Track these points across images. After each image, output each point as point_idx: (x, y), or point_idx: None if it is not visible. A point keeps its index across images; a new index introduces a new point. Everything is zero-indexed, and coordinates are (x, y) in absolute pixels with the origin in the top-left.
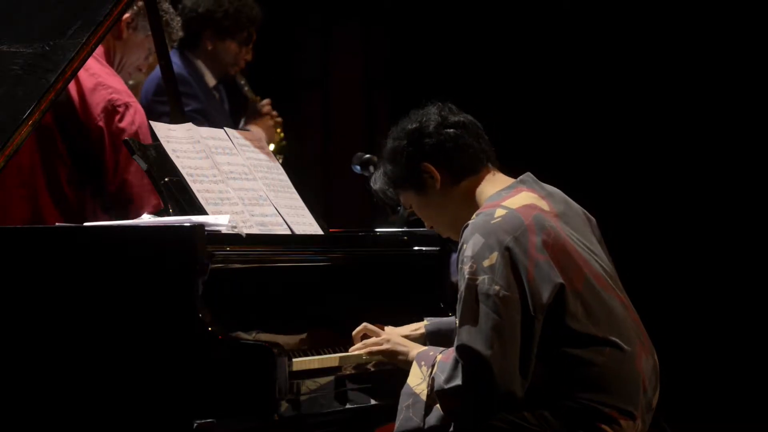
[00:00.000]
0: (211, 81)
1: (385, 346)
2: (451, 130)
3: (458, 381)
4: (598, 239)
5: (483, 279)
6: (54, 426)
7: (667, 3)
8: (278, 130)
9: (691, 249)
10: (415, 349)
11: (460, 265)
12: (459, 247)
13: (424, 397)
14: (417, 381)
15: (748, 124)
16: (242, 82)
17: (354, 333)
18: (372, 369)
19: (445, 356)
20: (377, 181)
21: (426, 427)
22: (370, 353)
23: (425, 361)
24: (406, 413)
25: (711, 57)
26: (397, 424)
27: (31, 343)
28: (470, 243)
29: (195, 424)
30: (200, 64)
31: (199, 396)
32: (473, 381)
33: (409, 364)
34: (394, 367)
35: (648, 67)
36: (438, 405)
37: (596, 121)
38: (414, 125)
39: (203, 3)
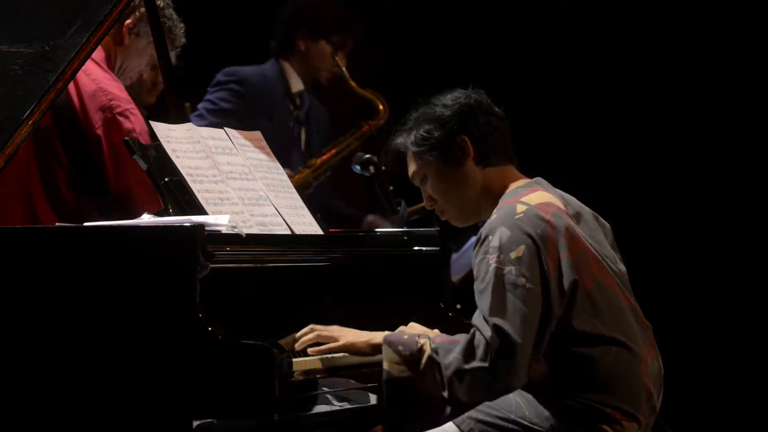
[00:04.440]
0: (297, 86)
1: (342, 342)
2: (494, 118)
3: (479, 362)
4: (611, 244)
5: (510, 270)
6: (54, 426)
7: (668, 2)
8: None
9: (689, 251)
10: (377, 336)
11: (482, 255)
12: (482, 239)
13: (403, 376)
14: (394, 362)
15: (757, 126)
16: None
17: (298, 335)
18: (373, 369)
19: (446, 339)
20: (402, 134)
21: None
22: (329, 349)
23: (403, 345)
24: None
25: (713, 56)
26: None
27: (30, 344)
28: (497, 234)
29: (195, 424)
30: (288, 68)
31: (199, 396)
32: (499, 363)
33: (374, 348)
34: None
35: (649, 67)
36: (424, 384)
37: (597, 121)
38: (465, 100)
39: (300, 4)
